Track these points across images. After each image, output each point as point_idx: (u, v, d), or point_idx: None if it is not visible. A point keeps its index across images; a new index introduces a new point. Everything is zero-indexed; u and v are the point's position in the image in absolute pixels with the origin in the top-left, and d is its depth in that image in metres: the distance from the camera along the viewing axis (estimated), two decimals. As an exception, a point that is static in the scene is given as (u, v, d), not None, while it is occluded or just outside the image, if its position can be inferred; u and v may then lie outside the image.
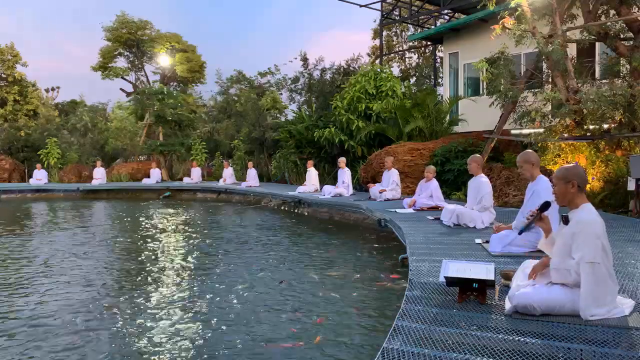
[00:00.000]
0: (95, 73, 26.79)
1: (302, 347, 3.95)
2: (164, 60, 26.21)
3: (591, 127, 9.43)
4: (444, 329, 2.84)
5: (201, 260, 7.35)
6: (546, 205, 3.44)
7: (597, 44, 11.67)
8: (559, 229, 3.18)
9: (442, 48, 18.46)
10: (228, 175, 18.37)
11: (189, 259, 7.47)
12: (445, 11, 19.95)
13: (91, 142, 25.40)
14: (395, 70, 26.10)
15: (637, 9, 9.46)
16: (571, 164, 3.22)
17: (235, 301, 5.21)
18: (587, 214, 2.96)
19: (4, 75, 27.63)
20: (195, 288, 5.76)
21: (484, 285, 3.26)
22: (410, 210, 8.62)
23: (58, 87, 32.15)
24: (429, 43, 22.63)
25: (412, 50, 27.48)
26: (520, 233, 4.39)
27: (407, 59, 28.22)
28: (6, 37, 69.03)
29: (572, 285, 2.92)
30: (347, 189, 12.30)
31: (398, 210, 8.60)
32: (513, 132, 12.54)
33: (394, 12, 21.87)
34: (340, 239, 9.05)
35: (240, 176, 19.50)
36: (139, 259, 7.51)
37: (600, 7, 9.68)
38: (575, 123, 9.36)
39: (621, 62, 10.10)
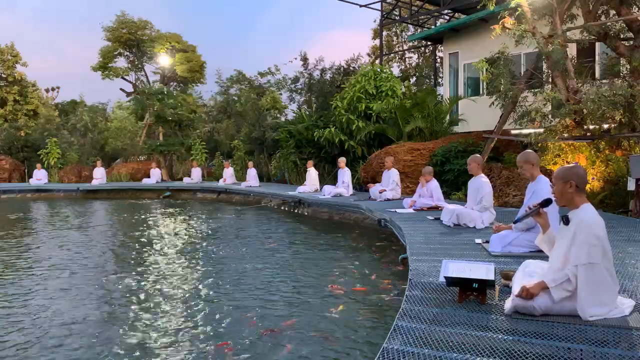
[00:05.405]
0: (95, 73, 26.74)
1: (300, 346, 3.96)
2: (164, 60, 26.18)
3: (591, 127, 9.44)
4: (444, 329, 2.84)
5: (201, 259, 7.35)
6: (547, 202, 3.45)
7: (597, 44, 11.68)
8: (559, 230, 3.18)
9: (442, 48, 18.47)
10: (228, 175, 18.38)
11: (188, 258, 7.47)
12: (445, 11, 19.95)
13: (91, 142, 25.39)
14: (395, 70, 26.13)
15: (637, 9, 9.46)
16: (571, 164, 3.22)
17: (234, 300, 5.22)
18: (587, 215, 2.95)
19: (4, 75, 27.62)
20: (194, 287, 5.77)
21: (484, 285, 3.26)
22: (410, 210, 8.62)
23: (58, 87, 32.18)
24: (429, 43, 22.62)
25: (412, 50, 27.46)
26: (515, 222, 4.41)
27: (407, 59, 28.22)
28: (6, 37, 69.07)
29: (574, 290, 2.90)
30: (347, 189, 12.30)
31: (398, 210, 8.60)
32: (513, 132, 12.54)
33: (394, 12, 21.86)
34: (340, 239, 9.04)
35: (240, 176, 19.50)
36: (138, 258, 7.51)
37: (600, 7, 9.68)
38: (575, 123, 9.36)
39: (621, 62, 10.10)
